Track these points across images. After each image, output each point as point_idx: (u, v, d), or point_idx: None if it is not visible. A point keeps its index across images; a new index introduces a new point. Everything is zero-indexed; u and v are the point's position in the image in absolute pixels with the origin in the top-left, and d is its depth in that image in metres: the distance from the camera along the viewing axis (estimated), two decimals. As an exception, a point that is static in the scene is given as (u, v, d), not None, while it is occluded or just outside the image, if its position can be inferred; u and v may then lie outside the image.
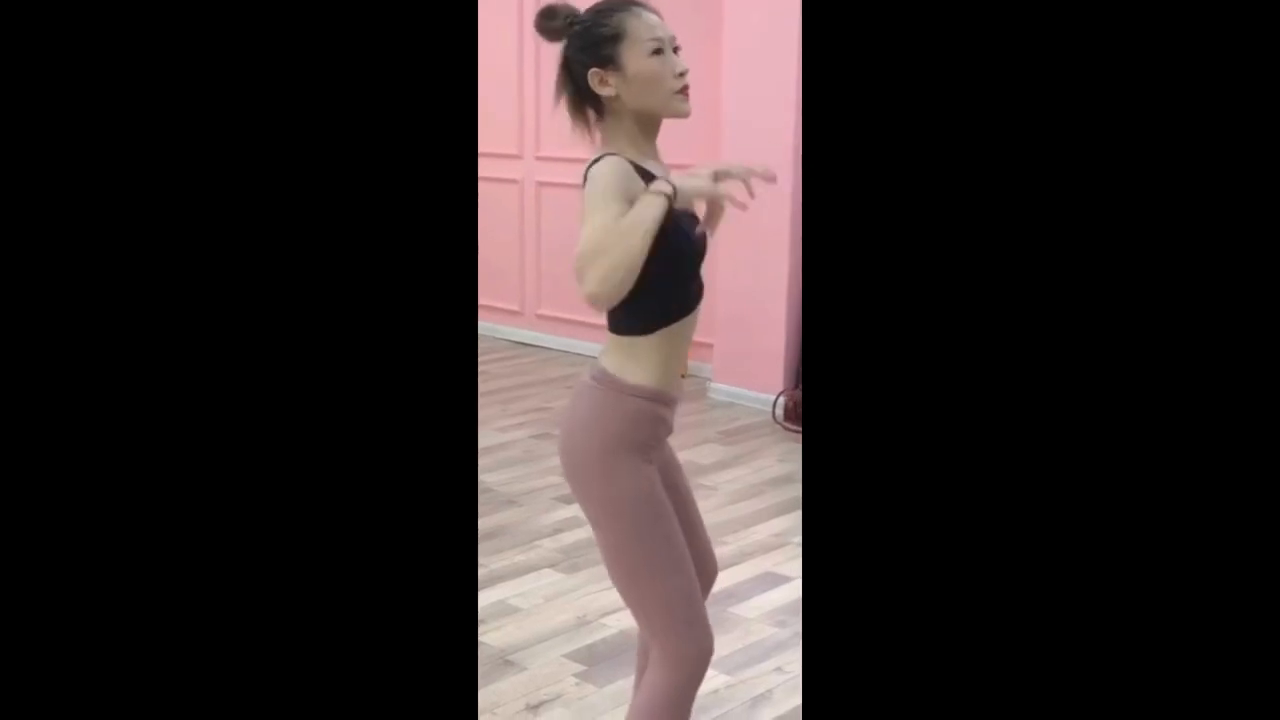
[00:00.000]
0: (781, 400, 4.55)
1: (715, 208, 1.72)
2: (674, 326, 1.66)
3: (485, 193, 5.74)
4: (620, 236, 1.48)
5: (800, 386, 4.58)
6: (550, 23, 1.67)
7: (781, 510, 3.62)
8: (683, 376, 1.74)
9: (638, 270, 1.48)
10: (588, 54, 1.64)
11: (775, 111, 4.47)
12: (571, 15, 1.67)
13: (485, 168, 5.74)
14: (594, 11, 1.67)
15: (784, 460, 4.12)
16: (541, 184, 5.72)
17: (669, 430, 1.73)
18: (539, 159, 5.70)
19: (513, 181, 5.82)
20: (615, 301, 1.50)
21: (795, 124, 4.42)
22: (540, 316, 5.88)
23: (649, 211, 1.50)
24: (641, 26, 1.63)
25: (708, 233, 1.71)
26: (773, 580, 3.08)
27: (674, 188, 1.54)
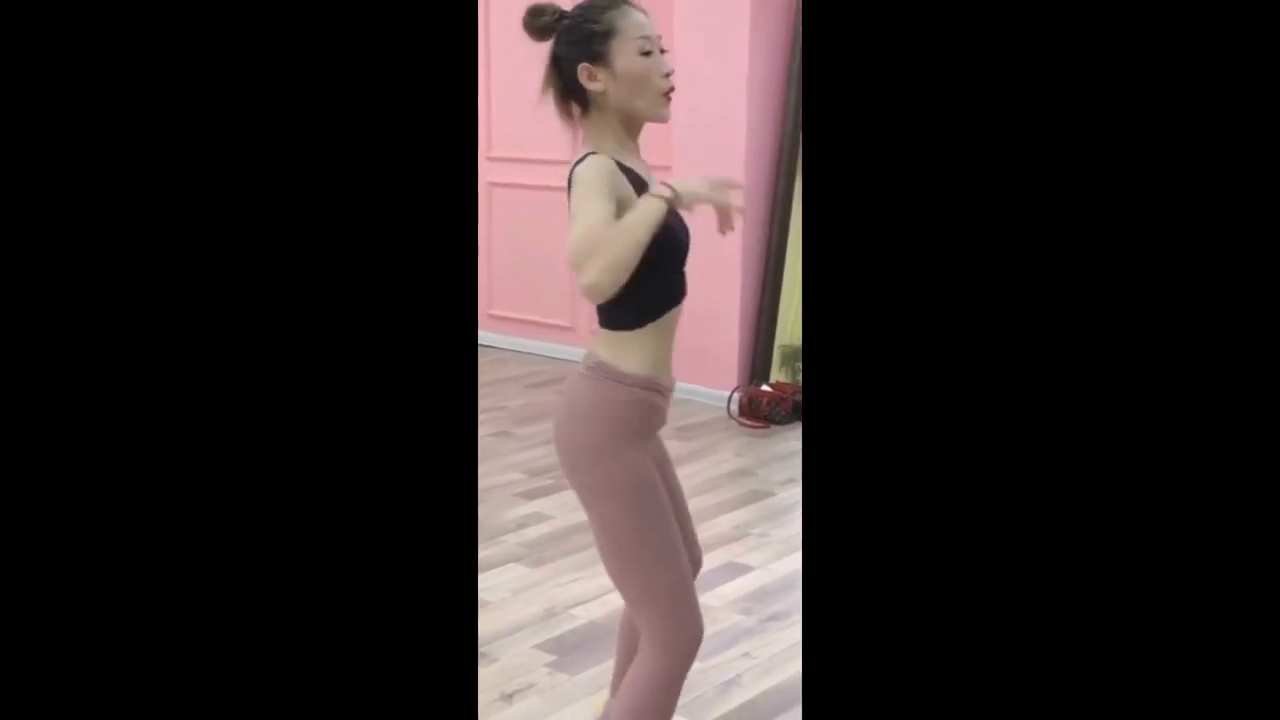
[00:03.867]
0: (736, 396, 4.61)
1: (724, 211, 1.72)
2: (662, 319, 1.71)
3: (436, 194, 5.73)
4: (620, 233, 1.51)
5: (754, 383, 4.64)
6: (537, 20, 1.69)
7: (741, 503, 3.67)
8: None
9: (634, 266, 1.51)
10: (577, 49, 1.65)
11: (726, 104, 4.52)
12: (559, 12, 1.69)
13: (436, 169, 5.73)
14: (584, 7, 1.68)
15: (740, 455, 4.17)
16: (494, 185, 5.73)
17: (663, 420, 1.77)
18: (491, 160, 5.71)
19: (464, 183, 5.83)
20: (612, 293, 1.52)
21: (746, 117, 4.48)
22: (493, 317, 5.88)
23: (650, 213, 1.54)
24: (632, 25, 1.65)
25: (723, 229, 1.74)
26: (736, 570, 3.13)
27: (675, 191, 1.58)
